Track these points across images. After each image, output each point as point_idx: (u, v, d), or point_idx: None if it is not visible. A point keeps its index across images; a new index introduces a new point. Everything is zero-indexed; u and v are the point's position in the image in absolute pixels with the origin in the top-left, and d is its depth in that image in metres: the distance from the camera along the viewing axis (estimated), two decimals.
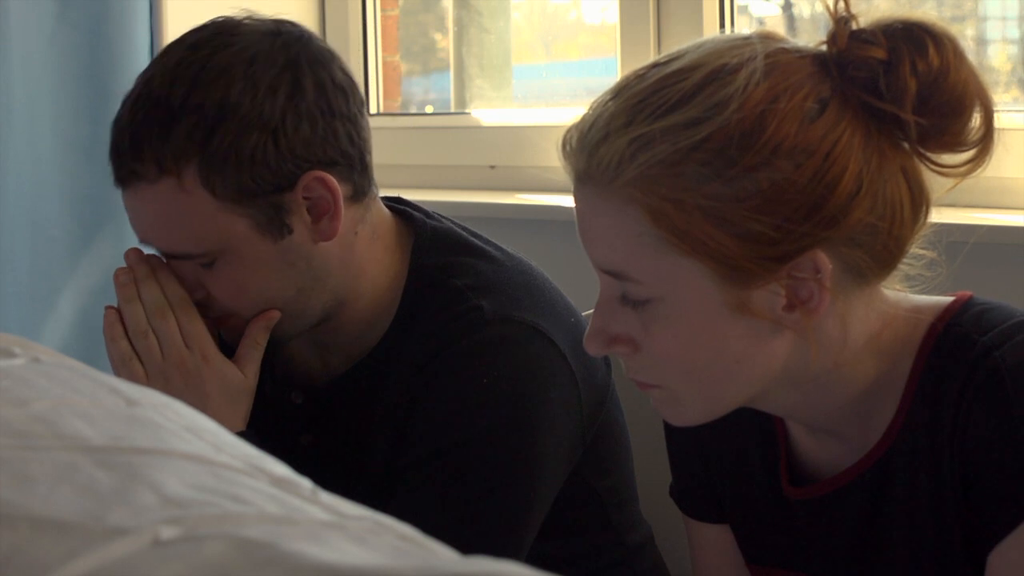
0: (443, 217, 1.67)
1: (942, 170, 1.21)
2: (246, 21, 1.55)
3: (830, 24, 1.20)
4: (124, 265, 1.59)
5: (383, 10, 3.04)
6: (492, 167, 2.77)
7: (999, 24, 2.55)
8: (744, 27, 2.55)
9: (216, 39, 1.52)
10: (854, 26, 1.19)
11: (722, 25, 2.47)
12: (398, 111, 3.11)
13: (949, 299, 1.26)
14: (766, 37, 1.20)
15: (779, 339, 1.20)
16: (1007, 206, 2.08)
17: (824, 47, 1.20)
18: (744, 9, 2.58)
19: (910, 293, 1.28)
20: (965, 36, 2.47)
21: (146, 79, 1.52)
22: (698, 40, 1.22)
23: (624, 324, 1.22)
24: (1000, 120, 1.21)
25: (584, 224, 1.22)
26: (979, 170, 1.21)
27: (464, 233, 1.65)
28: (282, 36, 1.53)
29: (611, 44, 2.69)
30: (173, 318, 1.55)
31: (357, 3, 3.01)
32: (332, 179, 1.52)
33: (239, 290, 1.54)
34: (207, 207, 1.49)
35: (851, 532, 1.28)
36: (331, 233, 1.54)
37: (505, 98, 3.03)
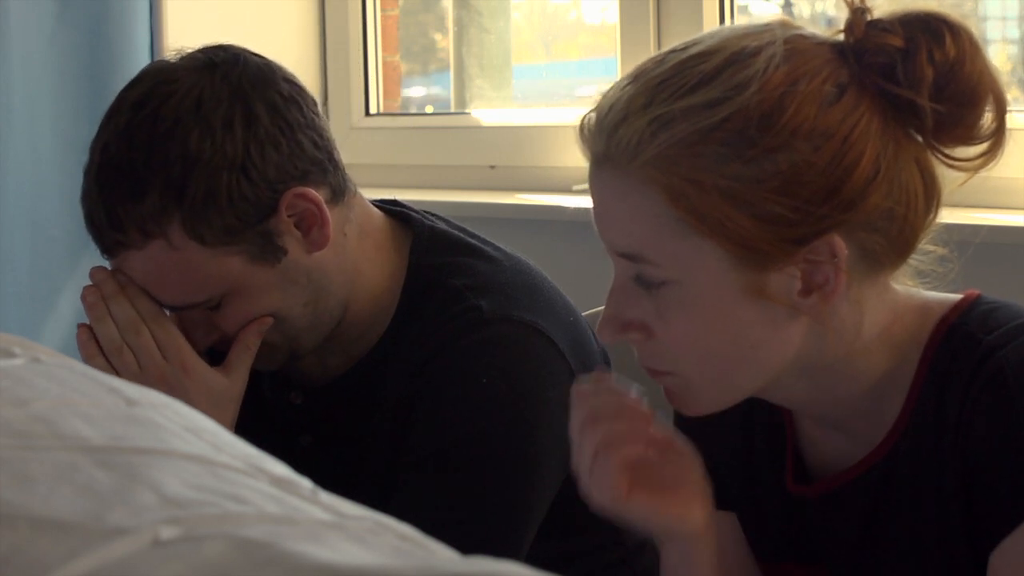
0: (440, 218, 1.67)
1: (954, 163, 1.21)
2: (179, 62, 1.53)
3: (847, 15, 1.20)
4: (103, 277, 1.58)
5: (383, 10, 3.04)
6: (492, 167, 2.77)
7: (999, 24, 2.56)
8: None
9: (157, 91, 1.50)
10: (870, 17, 1.20)
11: (722, 25, 2.47)
12: (398, 111, 3.11)
13: (957, 297, 1.27)
14: (785, 24, 1.21)
15: (794, 325, 1.20)
16: (1009, 206, 2.08)
17: (841, 36, 1.20)
18: (744, 9, 2.58)
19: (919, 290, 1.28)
20: None
21: (101, 147, 1.51)
22: (714, 29, 1.22)
23: (638, 310, 1.21)
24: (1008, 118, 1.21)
25: (601, 207, 1.22)
26: (991, 164, 1.21)
27: (462, 234, 1.65)
28: (219, 67, 1.52)
29: (611, 44, 2.69)
30: (147, 332, 1.55)
31: (357, 3, 3.01)
32: (310, 190, 1.52)
33: (252, 317, 1.54)
34: (200, 256, 1.49)
35: (855, 529, 1.28)
36: (323, 241, 1.54)
37: (505, 98, 3.03)
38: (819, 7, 2.71)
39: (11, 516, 0.65)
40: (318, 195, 1.53)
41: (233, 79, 1.51)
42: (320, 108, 1.59)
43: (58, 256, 2.57)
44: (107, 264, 1.58)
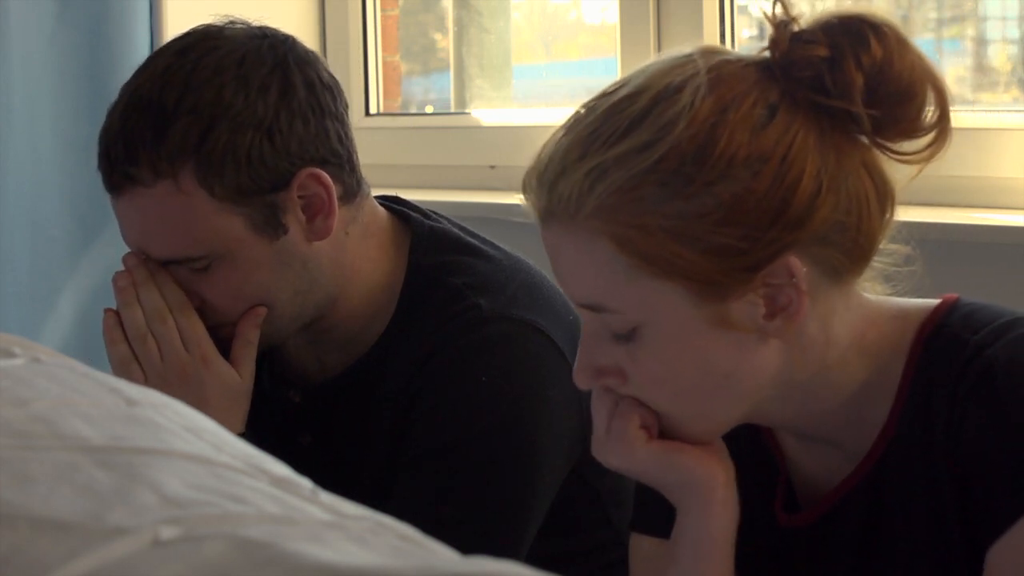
0: (441, 217, 1.67)
1: (903, 158, 1.20)
2: (228, 26, 1.56)
3: (770, 30, 1.20)
4: (123, 267, 1.59)
5: (383, 10, 3.04)
6: (492, 167, 2.77)
7: (999, 24, 2.55)
8: (744, 28, 2.55)
9: (202, 43, 1.53)
10: (795, 28, 1.19)
11: (722, 25, 2.47)
12: (398, 111, 3.11)
13: (935, 301, 1.26)
14: (707, 52, 1.20)
15: (765, 349, 1.20)
16: (1006, 206, 2.08)
17: (767, 54, 1.20)
18: (744, 9, 2.58)
19: (899, 296, 1.27)
20: (965, 36, 2.47)
21: (134, 87, 1.53)
22: (642, 66, 1.21)
23: (609, 356, 1.22)
24: (957, 118, 1.20)
25: (555, 262, 1.23)
26: (940, 153, 1.20)
27: (462, 233, 1.65)
28: (268, 38, 1.55)
29: (611, 44, 2.69)
30: (172, 321, 1.55)
31: (357, 3, 3.01)
32: (326, 176, 1.53)
33: (236, 294, 1.54)
34: (205, 208, 1.50)
35: (851, 547, 1.27)
36: (325, 232, 1.54)
37: (505, 98, 3.03)
38: (820, 6, 2.71)
39: (11, 516, 0.65)
40: (331, 182, 1.53)
41: (279, 51, 1.54)
42: None
43: (58, 256, 2.57)
44: (109, 265, 1.58)
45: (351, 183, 1.57)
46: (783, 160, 1.15)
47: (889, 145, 1.19)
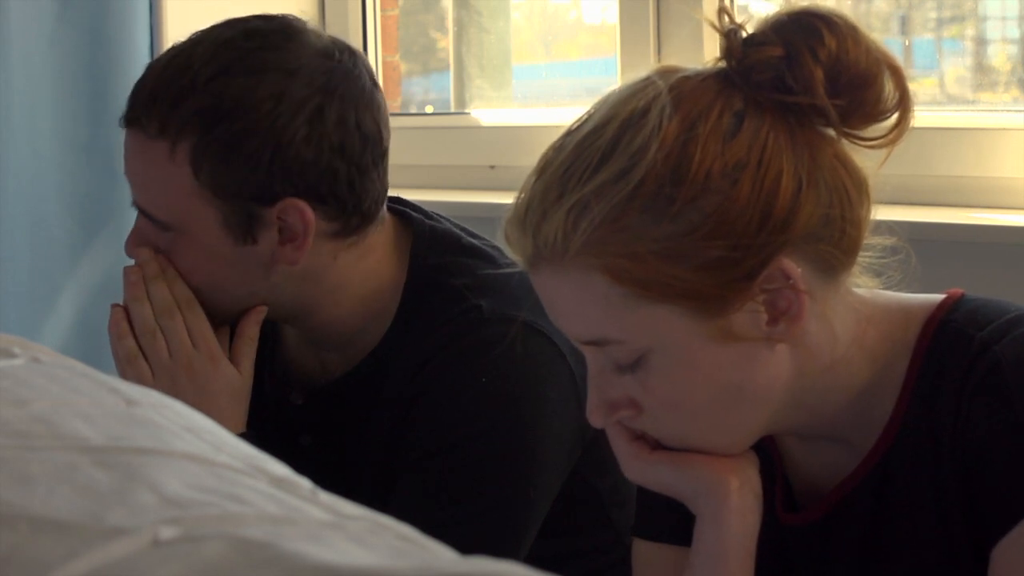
0: (442, 217, 1.67)
1: (872, 143, 1.21)
2: (310, 36, 1.53)
3: (722, 41, 1.20)
4: (129, 263, 1.59)
5: (383, 10, 3.04)
6: (492, 167, 2.77)
7: (999, 24, 2.55)
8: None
9: (272, 36, 1.52)
10: (744, 34, 1.19)
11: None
12: (398, 111, 3.11)
13: (940, 297, 1.26)
14: (665, 72, 1.20)
15: (774, 356, 1.19)
16: (1006, 206, 2.08)
17: (723, 64, 1.20)
18: (744, 9, 2.58)
19: (902, 292, 1.28)
20: (965, 36, 2.47)
21: (194, 42, 1.53)
22: (602, 97, 1.21)
23: (620, 388, 1.22)
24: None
25: (551, 304, 1.22)
26: (906, 131, 1.21)
27: (462, 234, 1.65)
28: (332, 62, 1.52)
29: (611, 44, 2.69)
30: (181, 317, 1.56)
31: (357, 3, 3.01)
32: (310, 213, 1.51)
33: (190, 269, 1.55)
34: (185, 184, 1.51)
35: (856, 543, 1.27)
36: (293, 260, 1.53)
37: (505, 98, 3.03)
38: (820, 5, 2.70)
39: (11, 516, 0.65)
40: (313, 220, 1.51)
41: (335, 80, 1.51)
42: None
43: (58, 256, 2.57)
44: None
45: (352, 223, 1.55)
46: (759, 164, 1.15)
47: (857, 132, 1.20)
